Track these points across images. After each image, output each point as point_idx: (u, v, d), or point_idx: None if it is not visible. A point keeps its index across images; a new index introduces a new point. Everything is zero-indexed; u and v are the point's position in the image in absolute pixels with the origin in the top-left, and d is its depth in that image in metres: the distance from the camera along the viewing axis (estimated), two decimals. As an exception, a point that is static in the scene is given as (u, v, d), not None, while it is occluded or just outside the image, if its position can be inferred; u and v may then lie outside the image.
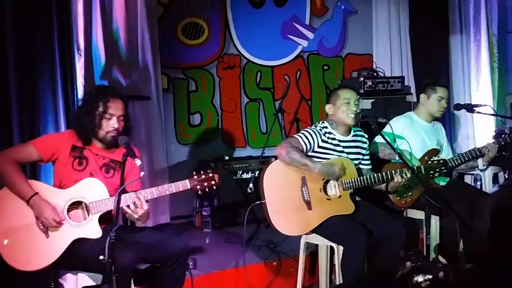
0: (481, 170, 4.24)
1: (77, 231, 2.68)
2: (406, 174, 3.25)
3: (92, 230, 2.69)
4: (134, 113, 4.52)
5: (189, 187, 2.79)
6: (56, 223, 2.63)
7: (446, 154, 3.96)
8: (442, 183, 3.87)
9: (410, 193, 3.60)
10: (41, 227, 2.66)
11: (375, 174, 3.31)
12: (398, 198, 3.60)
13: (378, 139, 3.76)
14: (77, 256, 2.64)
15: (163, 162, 4.77)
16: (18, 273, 2.60)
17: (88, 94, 2.95)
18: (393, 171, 3.29)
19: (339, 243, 3.16)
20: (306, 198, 3.24)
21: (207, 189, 2.82)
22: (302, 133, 3.35)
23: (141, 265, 2.88)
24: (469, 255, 3.50)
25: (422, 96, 3.97)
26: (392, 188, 3.39)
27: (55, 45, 4.00)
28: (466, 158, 3.84)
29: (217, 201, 4.67)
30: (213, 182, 2.82)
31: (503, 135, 4.00)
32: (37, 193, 2.66)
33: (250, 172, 4.79)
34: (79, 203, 2.73)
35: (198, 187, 2.80)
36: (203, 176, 2.81)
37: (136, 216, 2.70)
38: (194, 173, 2.84)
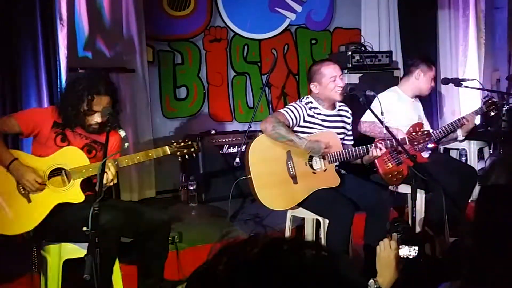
0: (460, 141, 4.26)
1: (59, 195, 2.67)
2: (387, 146, 3.26)
3: (74, 194, 2.68)
4: (118, 86, 4.44)
5: (169, 153, 2.83)
6: (38, 185, 2.61)
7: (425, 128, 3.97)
8: (426, 155, 3.89)
9: (400, 169, 3.60)
10: (22, 191, 2.64)
11: (360, 147, 3.30)
12: (390, 175, 3.59)
13: (365, 117, 3.74)
14: (61, 226, 2.63)
15: (148, 136, 4.74)
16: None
17: (75, 83, 2.79)
18: (374, 144, 3.28)
19: (325, 216, 3.17)
20: (291, 172, 3.22)
21: (187, 156, 2.89)
22: (288, 108, 3.32)
23: (124, 239, 2.86)
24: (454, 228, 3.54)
25: (418, 71, 3.91)
26: (367, 161, 3.39)
27: (37, 15, 3.89)
28: (448, 130, 3.86)
29: (203, 175, 4.65)
30: (192, 149, 2.89)
31: (480, 106, 4.03)
32: (16, 159, 2.64)
33: (236, 147, 4.76)
34: (60, 170, 2.71)
35: (178, 153, 2.86)
36: (182, 144, 2.87)
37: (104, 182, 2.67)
38: (173, 141, 2.90)
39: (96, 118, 2.76)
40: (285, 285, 0.59)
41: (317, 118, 3.32)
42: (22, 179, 2.61)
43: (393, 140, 3.22)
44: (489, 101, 3.98)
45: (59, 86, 3.92)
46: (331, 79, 3.28)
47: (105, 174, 2.60)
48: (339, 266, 0.64)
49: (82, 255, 2.51)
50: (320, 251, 0.66)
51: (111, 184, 2.69)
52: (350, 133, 3.51)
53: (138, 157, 2.77)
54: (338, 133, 3.37)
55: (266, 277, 0.60)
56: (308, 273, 0.61)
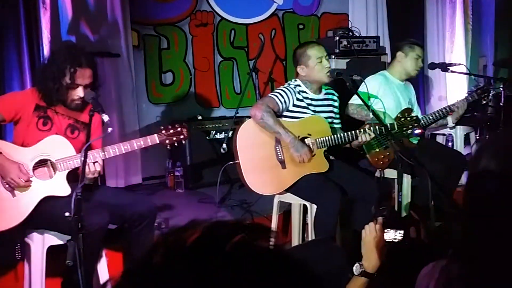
0: (450, 128, 4.28)
1: (45, 189, 2.61)
2: (376, 132, 3.25)
3: (60, 187, 2.61)
4: (103, 71, 4.36)
5: (157, 142, 2.75)
6: (23, 183, 2.54)
7: (415, 113, 3.97)
8: (415, 141, 3.89)
9: (387, 153, 3.61)
10: (7, 186, 2.57)
11: (349, 132, 3.30)
12: (376, 158, 3.60)
13: (353, 100, 3.74)
14: (44, 214, 2.57)
15: (134, 122, 4.68)
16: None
17: (55, 56, 2.73)
18: (364, 129, 3.28)
19: (313, 201, 3.17)
20: (280, 157, 3.21)
21: (176, 144, 2.80)
22: (277, 92, 3.30)
23: (109, 226, 2.83)
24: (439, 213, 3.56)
25: (399, 53, 3.91)
26: (356, 146, 3.39)
27: (19, -1, 3.81)
28: (438, 116, 3.87)
29: (190, 161, 4.62)
30: (181, 136, 2.80)
31: (472, 92, 4.04)
32: (1, 152, 2.55)
33: (223, 132, 4.73)
34: (45, 161, 2.64)
35: (167, 141, 2.77)
36: (171, 131, 2.78)
37: (90, 176, 2.60)
38: (162, 127, 2.80)
39: (79, 92, 2.67)
40: (222, 272, 0.57)
41: (304, 101, 3.31)
42: (7, 177, 2.52)
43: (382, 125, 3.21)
44: (483, 88, 3.98)
45: (40, 71, 3.85)
46: (317, 61, 3.28)
47: (92, 165, 2.55)
48: (287, 252, 0.61)
49: (66, 242, 2.49)
50: (268, 236, 0.63)
51: (97, 176, 2.63)
52: (338, 116, 3.52)
53: (126, 147, 2.70)
54: (326, 117, 3.37)
55: (203, 264, 0.57)
56: (247, 259, 0.59)
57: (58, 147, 2.65)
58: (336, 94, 3.51)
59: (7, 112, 2.66)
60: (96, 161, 2.60)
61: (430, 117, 3.88)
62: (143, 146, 2.74)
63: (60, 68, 2.63)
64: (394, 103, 3.79)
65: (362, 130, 3.27)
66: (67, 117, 2.77)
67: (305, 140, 3.27)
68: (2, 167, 2.53)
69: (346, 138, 3.29)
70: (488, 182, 1.09)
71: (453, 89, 5.88)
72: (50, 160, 2.64)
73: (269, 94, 3.34)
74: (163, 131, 2.78)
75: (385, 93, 3.79)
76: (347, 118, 3.72)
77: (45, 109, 2.73)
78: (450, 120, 3.96)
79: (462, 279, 1.08)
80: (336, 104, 3.50)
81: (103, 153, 2.64)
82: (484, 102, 4.05)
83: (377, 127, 3.29)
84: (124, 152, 2.72)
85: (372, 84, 3.72)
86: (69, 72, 2.62)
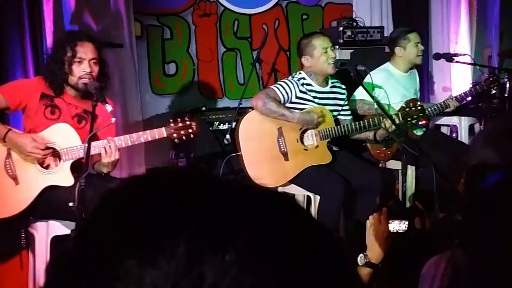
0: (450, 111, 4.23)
1: (48, 178, 2.61)
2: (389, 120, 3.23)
3: (63, 177, 2.61)
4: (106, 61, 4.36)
5: (165, 135, 2.71)
6: (43, 152, 2.53)
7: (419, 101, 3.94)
8: (420, 133, 3.87)
9: (390, 146, 3.59)
10: (10, 173, 2.57)
11: (353, 123, 3.30)
12: (378, 151, 3.58)
13: (356, 95, 3.72)
14: (48, 203, 2.57)
15: (137, 113, 4.66)
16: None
17: (56, 41, 2.79)
18: (370, 120, 3.27)
19: (316, 192, 3.16)
20: (282, 149, 3.20)
21: (184, 138, 2.74)
22: (280, 84, 3.29)
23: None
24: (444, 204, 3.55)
25: (397, 49, 3.85)
26: (381, 136, 3.37)
27: (21, -12, 3.79)
28: (441, 108, 3.84)
29: (193, 152, 4.61)
30: (190, 130, 2.74)
31: (480, 83, 3.99)
32: (11, 129, 2.53)
33: (227, 123, 4.70)
34: (50, 149, 2.64)
35: (174, 135, 2.72)
36: (180, 124, 2.73)
37: (104, 161, 2.61)
38: (171, 120, 2.75)
39: (85, 67, 2.65)
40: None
41: (309, 94, 3.30)
42: (24, 152, 2.50)
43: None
44: (490, 78, 3.94)
45: (45, 60, 3.84)
46: (323, 51, 3.26)
47: (105, 150, 2.55)
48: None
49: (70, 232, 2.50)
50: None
51: (114, 159, 2.61)
52: (346, 108, 3.48)
53: (132, 139, 2.68)
54: (332, 110, 3.35)
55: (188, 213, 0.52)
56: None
57: (64, 136, 2.64)
58: (343, 86, 3.49)
59: (12, 100, 2.64)
60: (106, 148, 2.57)
61: (435, 108, 3.84)
62: (149, 140, 2.69)
63: (61, 47, 2.64)
64: (399, 97, 3.76)
65: (377, 118, 3.25)
66: (75, 106, 2.76)
67: (308, 131, 3.26)
68: (16, 144, 2.51)
69: (348, 129, 3.27)
70: (486, 171, 1.08)
71: (458, 80, 5.85)
72: (55, 148, 2.63)
73: (271, 86, 3.33)
74: (171, 124, 2.73)
75: (389, 88, 3.75)
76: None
77: (52, 98, 2.71)
78: (451, 104, 3.91)
79: (469, 270, 1.08)
80: (343, 96, 3.47)
81: (108, 145, 2.61)
82: (494, 91, 4.00)
83: (381, 118, 3.27)
84: (130, 144, 2.71)
85: (375, 80, 3.69)
86: (70, 47, 2.62)
